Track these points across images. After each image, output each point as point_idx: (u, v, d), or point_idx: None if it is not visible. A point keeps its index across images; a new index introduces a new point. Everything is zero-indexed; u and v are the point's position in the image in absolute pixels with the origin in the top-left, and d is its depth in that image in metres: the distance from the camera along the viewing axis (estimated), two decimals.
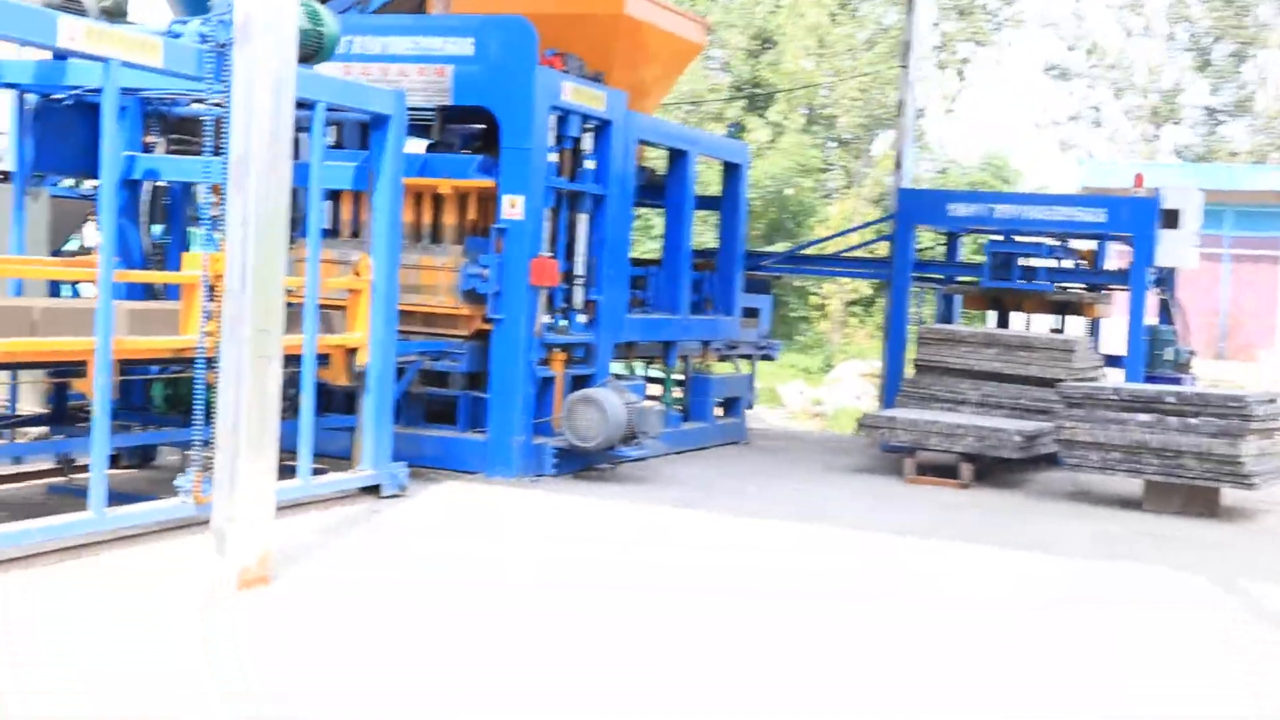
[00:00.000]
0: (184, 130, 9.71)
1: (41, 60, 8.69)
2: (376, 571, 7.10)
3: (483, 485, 9.75)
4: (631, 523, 8.84)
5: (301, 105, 8.45)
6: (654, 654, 5.87)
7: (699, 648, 5.99)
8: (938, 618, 6.75)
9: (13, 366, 7.39)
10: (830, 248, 16.71)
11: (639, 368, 13.55)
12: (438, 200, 10.43)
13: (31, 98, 8.88)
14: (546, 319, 10.33)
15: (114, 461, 9.48)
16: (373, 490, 8.94)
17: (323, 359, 8.72)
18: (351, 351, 8.78)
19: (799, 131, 34.43)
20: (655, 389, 12.88)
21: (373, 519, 8.33)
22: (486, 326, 10.17)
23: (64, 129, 8.90)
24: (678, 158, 12.43)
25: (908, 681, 5.65)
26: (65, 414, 8.63)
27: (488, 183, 10.16)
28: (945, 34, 41.71)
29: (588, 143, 10.81)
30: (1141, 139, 43.53)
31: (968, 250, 20.70)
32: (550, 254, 10.32)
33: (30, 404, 9.42)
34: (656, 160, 15.30)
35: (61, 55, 8.12)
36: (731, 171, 13.44)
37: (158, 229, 10.28)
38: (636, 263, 12.77)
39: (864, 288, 30.30)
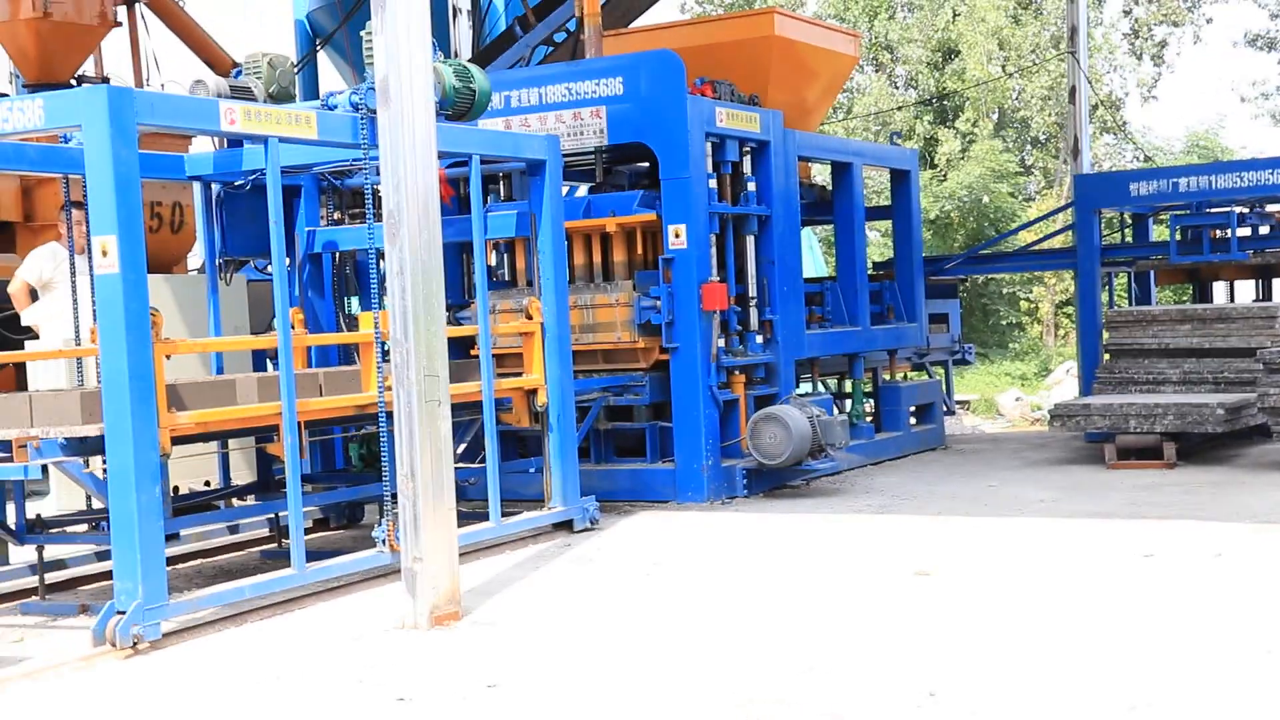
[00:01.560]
0: (360, 202, 10.15)
1: (220, 150, 9.24)
2: (565, 599, 7.25)
3: (674, 512, 9.85)
4: (818, 532, 8.80)
5: (461, 164, 8.84)
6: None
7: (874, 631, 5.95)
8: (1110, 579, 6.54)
9: (204, 438, 7.81)
10: (1015, 244, 16.36)
11: (830, 384, 13.51)
12: (606, 239, 10.64)
13: (215, 187, 9.42)
14: (722, 343, 10.42)
15: (324, 524, 10.00)
16: (565, 526, 9.14)
17: (505, 403, 8.99)
18: (531, 393, 9.02)
19: (989, 138, 33.82)
20: (847, 403, 12.82)
21: (565, 552, 8.50)
22: (665, 356, 10.31)
23: (246, 213, 9.40)
24: (842, 170, 12.40)
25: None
26: (271, 482, 9.06)
27: (650, 216, 10.32)
28: (1137, 20, 40.40)
29: (747, 165, 10.90)
30: None
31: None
32: (719, 278, 10.41)
33: (243, 475, 9.94)
34: (827, 177, 15.27)
35: (233, 141, 8.65)
36: (899, 179, 13.33)
37: (355, 300, 10.74)
38: (812, 280, 12.76)
39: (1072, 287, 29.46)
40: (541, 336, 9.01)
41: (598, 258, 10.67)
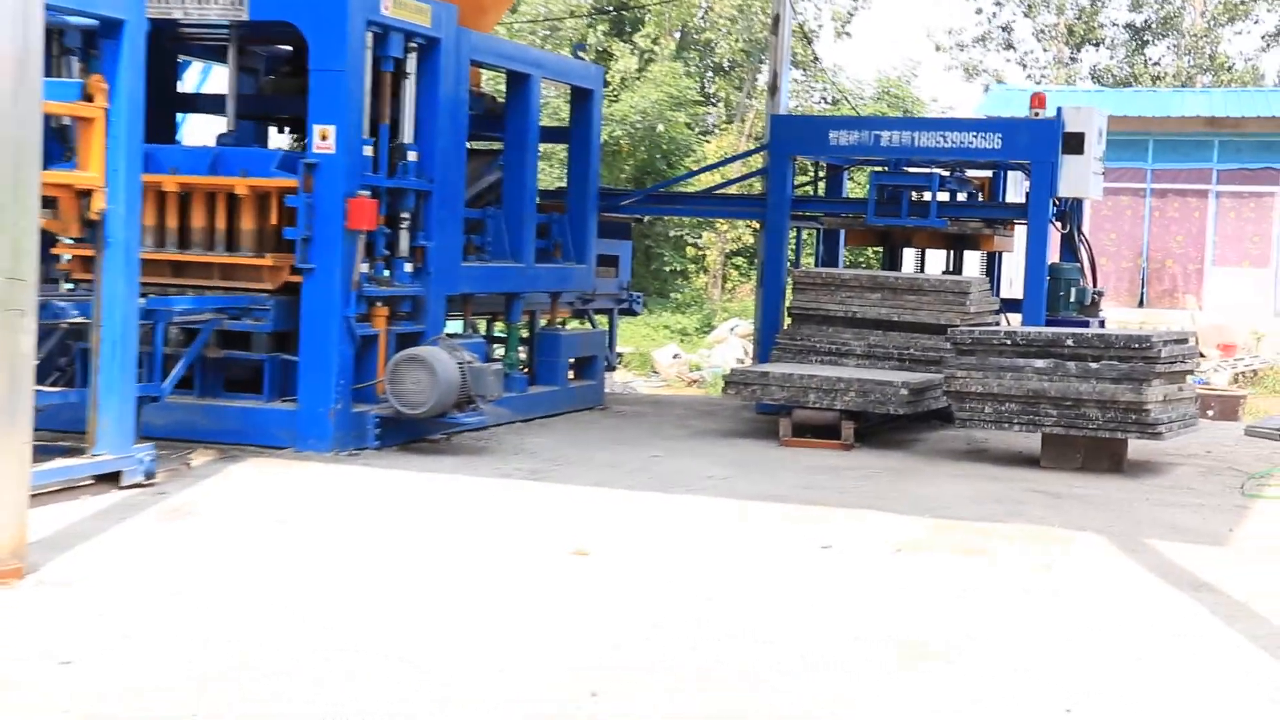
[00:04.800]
0: None
1: None
2: (156, 558, 6.97)
3: (293, 461, 9.66)
4: (464, 497, 8.78)
5: None
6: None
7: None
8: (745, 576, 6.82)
9: None
10: (699, 185, 16.74)
11: (481, 326, 13.49)
12: (232, 200, 10.18)
13: None
14: (366, 268, 10.22)
15: None
16: (111, 479, 8.36)
17: (51, 204, 8.15)
18: (85, 194, 8.19)
19: (670, 59, 34.46)
20: (499, 349, 12.84)
21: (160, 502, 8.18)
22: (296, 279, 10.04)
23: None
24: (519, 82, 12.35)
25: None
26: None
27: (291, 182, 9.93)
28: None
29: (411, 65, 10.69)
30: (1056, 62, 44.38)
31: (860, 187, 20.85)
32: (369, 193, 10.19)
33: None
34: (497, 88, 15.18)
35: None
36: (582, 98, 13.40)
37: None
38: (473, 205, 12.69)
39: (747, 236, 30.42)
40: (105, 125, 8.14)
41: (221, 223, 10.26)
